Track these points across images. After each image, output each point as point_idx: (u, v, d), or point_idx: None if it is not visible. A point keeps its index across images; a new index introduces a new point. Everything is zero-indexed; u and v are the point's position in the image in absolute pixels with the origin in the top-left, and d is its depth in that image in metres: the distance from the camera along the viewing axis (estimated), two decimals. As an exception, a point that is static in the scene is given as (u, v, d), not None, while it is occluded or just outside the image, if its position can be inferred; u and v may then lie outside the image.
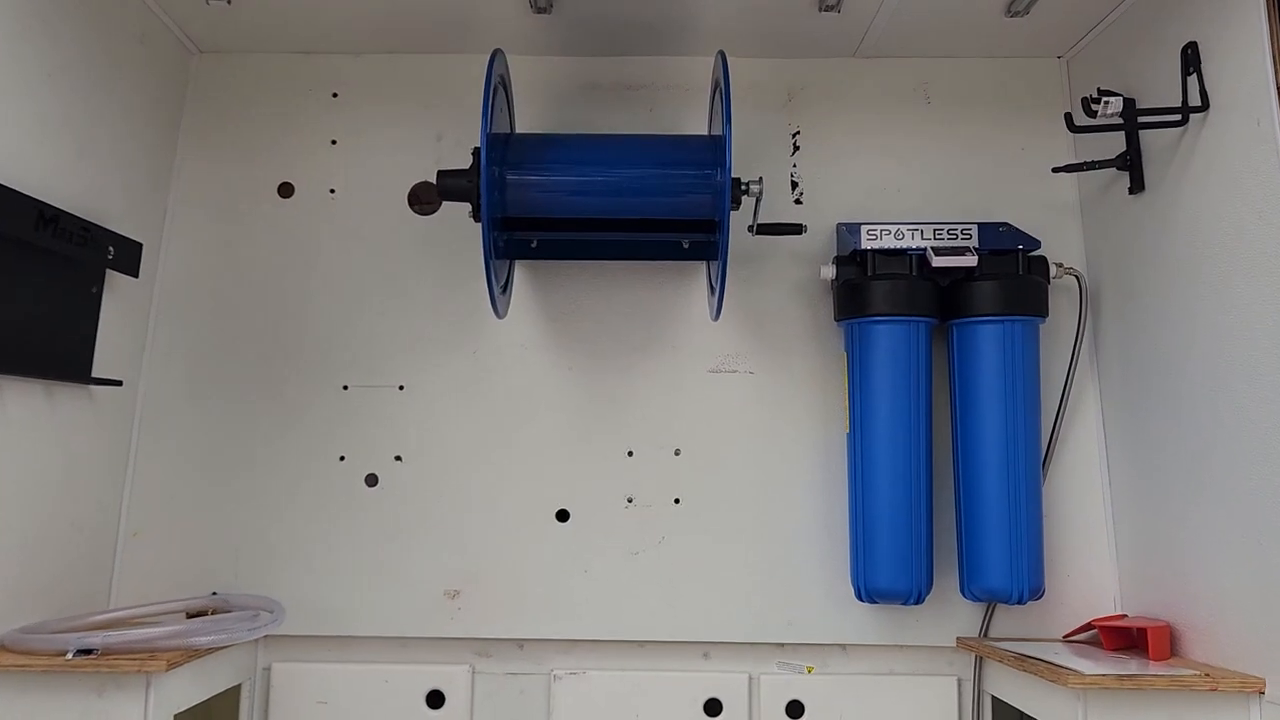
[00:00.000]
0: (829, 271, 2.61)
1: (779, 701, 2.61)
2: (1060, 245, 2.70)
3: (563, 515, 2.66)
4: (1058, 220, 2.75)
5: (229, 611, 2.36)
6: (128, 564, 2.60)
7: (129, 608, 2.41)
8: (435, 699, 2.60)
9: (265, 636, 2.58)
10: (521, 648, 2.64)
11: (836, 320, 2.64)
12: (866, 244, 2.57)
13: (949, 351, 2.60)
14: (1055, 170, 2.60)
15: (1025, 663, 2.21)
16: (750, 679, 2.62)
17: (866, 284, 2.54)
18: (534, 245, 2.67)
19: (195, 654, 2.14)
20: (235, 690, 2.52)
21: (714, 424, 2.70)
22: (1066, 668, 2.09)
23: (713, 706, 2.60)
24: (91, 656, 2.03)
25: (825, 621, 2.61)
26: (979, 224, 2.59)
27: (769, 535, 2.65)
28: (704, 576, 2.64)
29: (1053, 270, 2.59)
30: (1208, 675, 2.02)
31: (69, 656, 2.02)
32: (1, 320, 2.06)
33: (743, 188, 2.35)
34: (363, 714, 2.56)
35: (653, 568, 2.64)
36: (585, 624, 2.62)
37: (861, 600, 2.53)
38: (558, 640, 2.63)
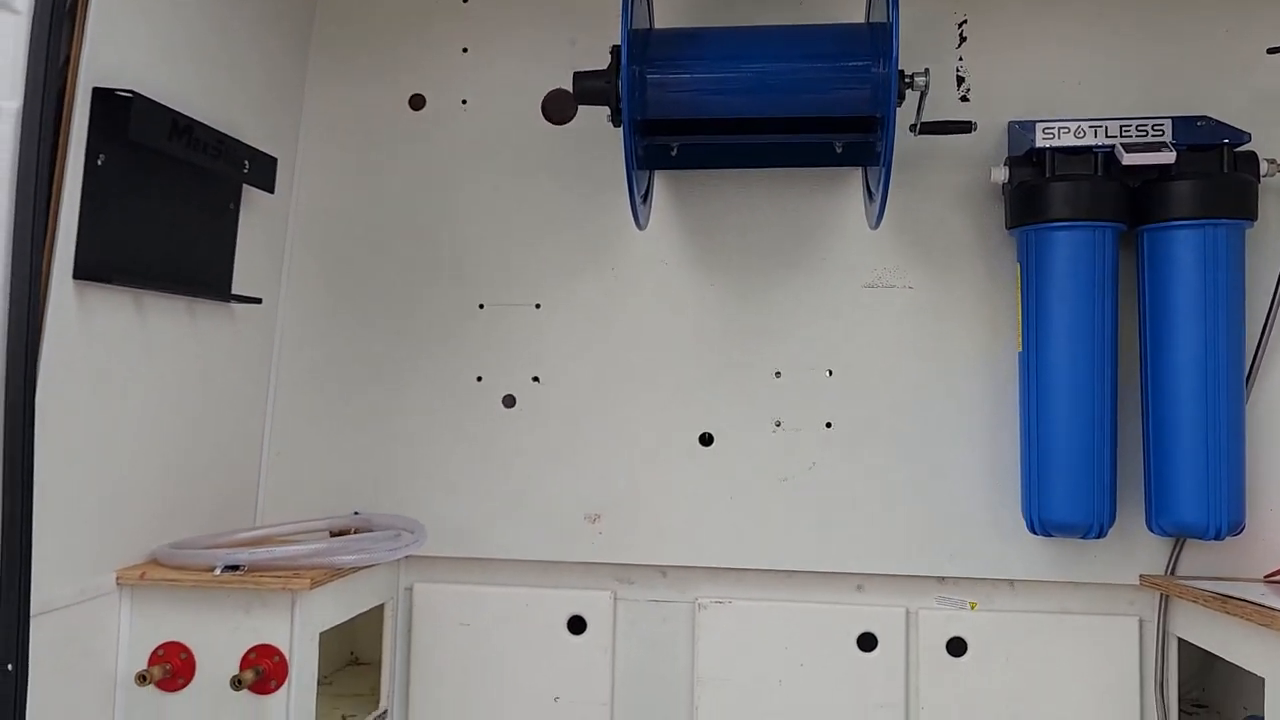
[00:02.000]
0: (1001, 174, 2.36)
1: (939, 638, 2.44)
2: (1273, 139, 2.37)
3: (706, 439, 2.53)
4: (1270, 111, 2.41)
5: (371, 531, 2.32)
6: (272, 483, 2.60)
7: (274, 525, 2.40)
8: (577, 624, 2.53)
9: (407, 557, 2.56)
10: (664, 575, 2.54)
11: (1009, 228, 2.40)
12: (1043, 142, 2.31)
13: (1138, 261, 2.33)
14: (1270, 51, 2.28)
15: (1229, 604, 1.98)
16: (908, 613, 2.46)
17: (1044, 186, 2.29)
18: (674, 153, 2.50)
19: (339, 573, 2.11)
20: (379, 611, 2.51)
21: (870, 343, 2.50)
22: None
23: (867, 641, 2.45)
24: (238, 573, 2.02)
25: (991, 554, 2.42)
26: (1173, 118, 2.30)
27: (929, 462, 2.46)
28: (858, 504, 2.47)
29: (1263, 168, 2.28)
30: None
31: (217, 572, 2.01)
32: (142, 235, 2.02)
33: (907, 80, 2.12)
34: (504, 637, 2.52)
35: (802, 494, 2.49)
36: (731, 552, 2.50)
37: (1034, 532, 2.33)
38: (702, 568, 2.52)
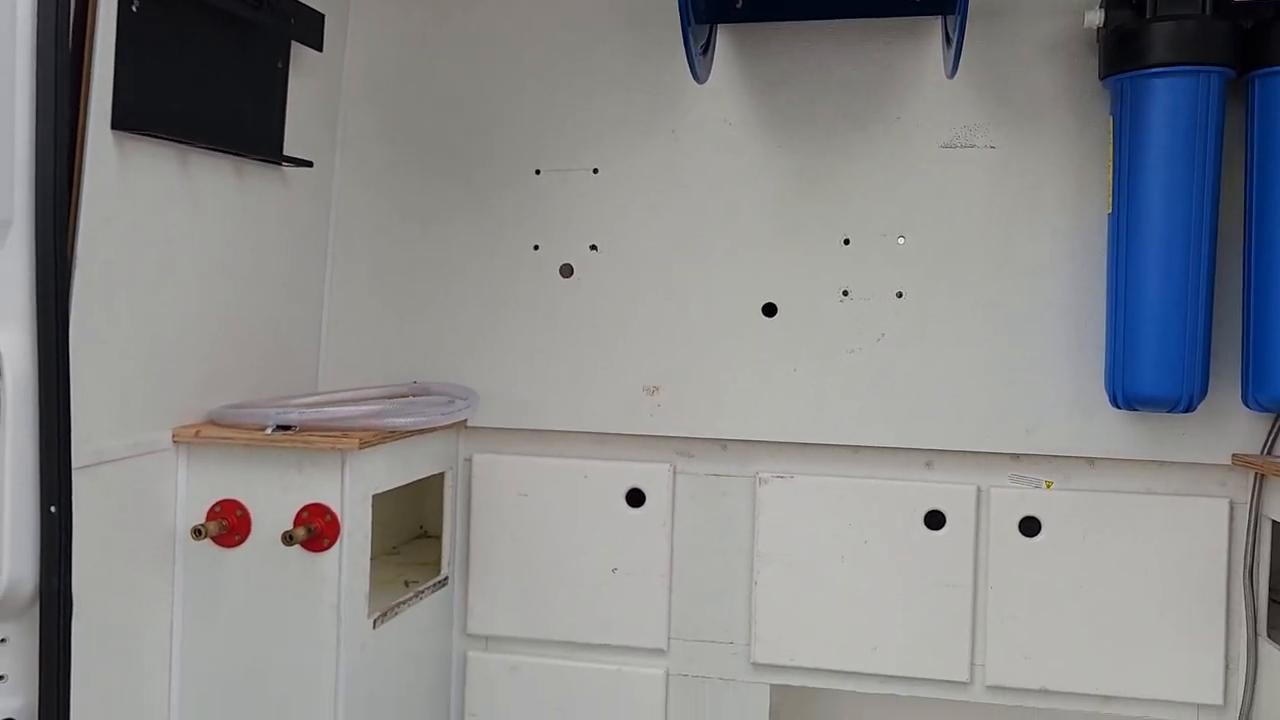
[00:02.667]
0: (1095, 17, 2.15)
1: (1011, 517, 2.33)
2: None
3: (770, 309, 2.43)
4: None
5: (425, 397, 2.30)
6: (331, 352, 2.59)
7: (331, 392, 2.40)
8: (635, 497, 2.49)
9: (466, 428, 2.54)
10: (725, 448, 2.48)
11: (1103, 78, 2.19)
12: (1145, -21, 2.09)
13: (1247, 111, 2.12)
14: None
15: (1329, 480, 1.82)
16: (979, 491, 2.35)
17: (1144, 28, 2.08)
18: (739, 4, 2.34)
19: (389, 435, 2.09)
20: (441, 481, 2.51)
21: (946, 207, 2.35)
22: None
23: (935, 519, 2.36)
24: (290, 433, 2.01)
25: (1070, 430, 2.29)
26: (1296, -52, 2.06)
27: (1007, 332, 2.31)
28: (929, 377, 2.35)
29: (1400, 1, 2.03)
30: None
31: (268, 431, 2.01)
32: (183, 87, 1.98)
33: (991, -92, 1.93)
34: (562, 508, 2.50)
35: (870, 367, 2.38)
36: (793, 426, 2.41)
37: (1117, 406, 2.18)
38: (764, 442, 2.44)
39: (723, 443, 2.47)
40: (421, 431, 2.25)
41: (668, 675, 2.48)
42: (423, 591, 2.40)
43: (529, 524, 2.51)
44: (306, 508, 2.00)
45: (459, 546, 2.57)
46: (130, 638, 1.92)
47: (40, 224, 1.50)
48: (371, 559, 2.74)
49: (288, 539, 1.92)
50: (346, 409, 2.06)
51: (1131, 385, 2.12)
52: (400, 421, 2.09)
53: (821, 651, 2.40)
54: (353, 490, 2.01)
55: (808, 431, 2.40)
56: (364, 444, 1.99)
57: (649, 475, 2.48)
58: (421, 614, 2.40)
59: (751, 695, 2.45)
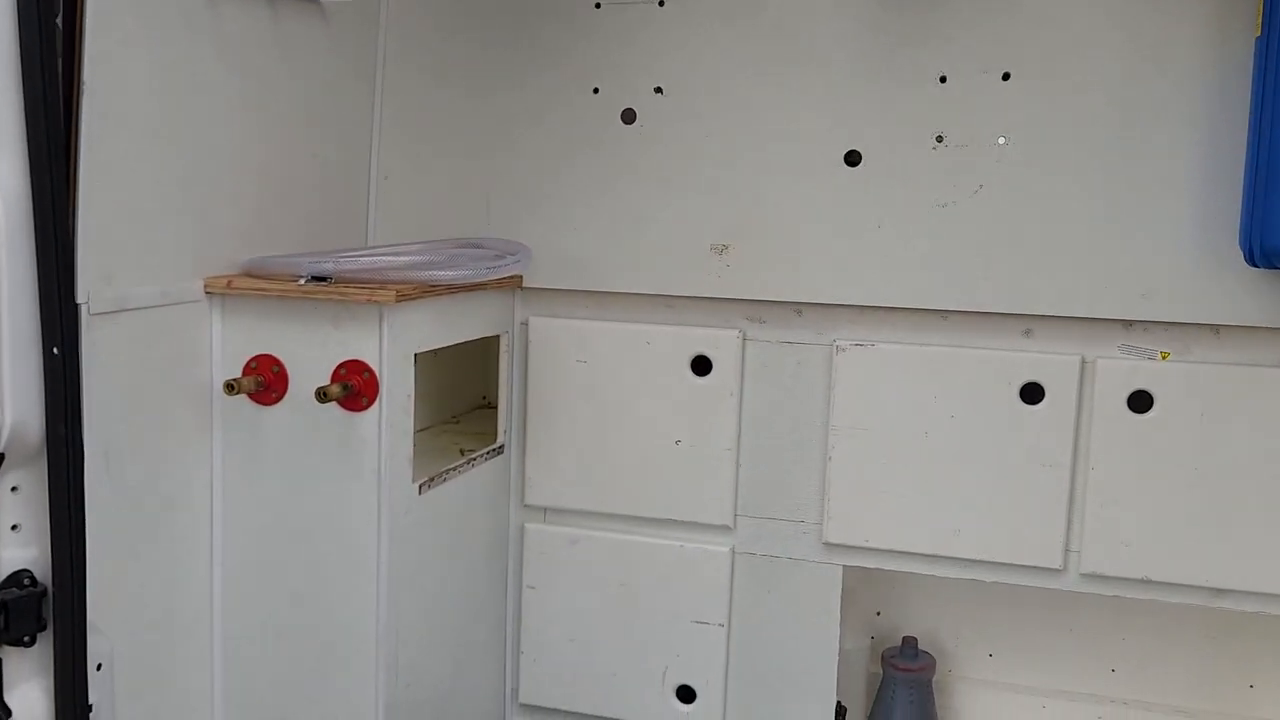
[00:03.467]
0: None
1: (1119, 392, 2.09)
2: None
3: (852, 158, 2.18)
4: None
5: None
6: (381, 207, 2.44)
7: (379, 247, 2.25)
8: (701, 365, 2.31)
9: (522, 288, 2.39)
10: (800, 313, 2.27)
11: (1258, -128, 1.85)
12: None
13: None
14: None
15: None
16: (1083, 362, 2.11)
17: None
18: None
19: (430, 290, 1.95)
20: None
21: (1058, 38, 2.05)
22: None
23: (1032, 393, 2.13)
24: (325, 284, 1.88)
25: (1194, 294, 2.02)
26: None
27: (1124, 181, 2.03)
28: (1032, 233, 2.09)
29: None
30: None
31: (302, 282, 1.88)
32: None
33: None
34: (623, 376, 2.34)
35: (965, 222, 2.13)
36: (876, 288, 2.19)
37: (1253, 264, 1.90)
38: (843, 306, 2.23)
39: (797, 307, 2.26)
40: (469, 288, 2.10)
41: (733, 553, 2.34)
42: (475, 459, 2.28)
43: (588, 392, 2.36)
44: (344, 364, 1.87)
45: (516, 415, 2.44)
46: (166, 495, 1.85)
47: (26, 39, 1.35)
48: (429, 428, 2.67)
49: (321, 396, 1.80)
50: (385, 259, 1.91)
51: (1273, 237, 1.83)
52: (442, 275, 1.93)
53: (899, 533, 2.22)
54: (392, 347, 1.87)
55: (892, 295, 2.18)
56: (402, 297, 1.85)
57: (716, 341, 2.29)
58: (475, 482, 2.29)
59: (822, 577, 2.29)
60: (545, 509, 2.45)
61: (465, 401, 2.81)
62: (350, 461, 1.89)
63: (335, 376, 1.87)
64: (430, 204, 2.41)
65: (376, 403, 1.87)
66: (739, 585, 2.35)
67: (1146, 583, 2.12)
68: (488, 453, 2.35)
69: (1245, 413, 2.02)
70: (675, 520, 2.36)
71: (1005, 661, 2.48)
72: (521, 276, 2.35)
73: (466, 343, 2.30)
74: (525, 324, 2.40)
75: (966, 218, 2.12)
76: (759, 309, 2.28)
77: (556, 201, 2.34)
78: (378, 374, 1.86)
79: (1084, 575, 2.15)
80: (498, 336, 2.38)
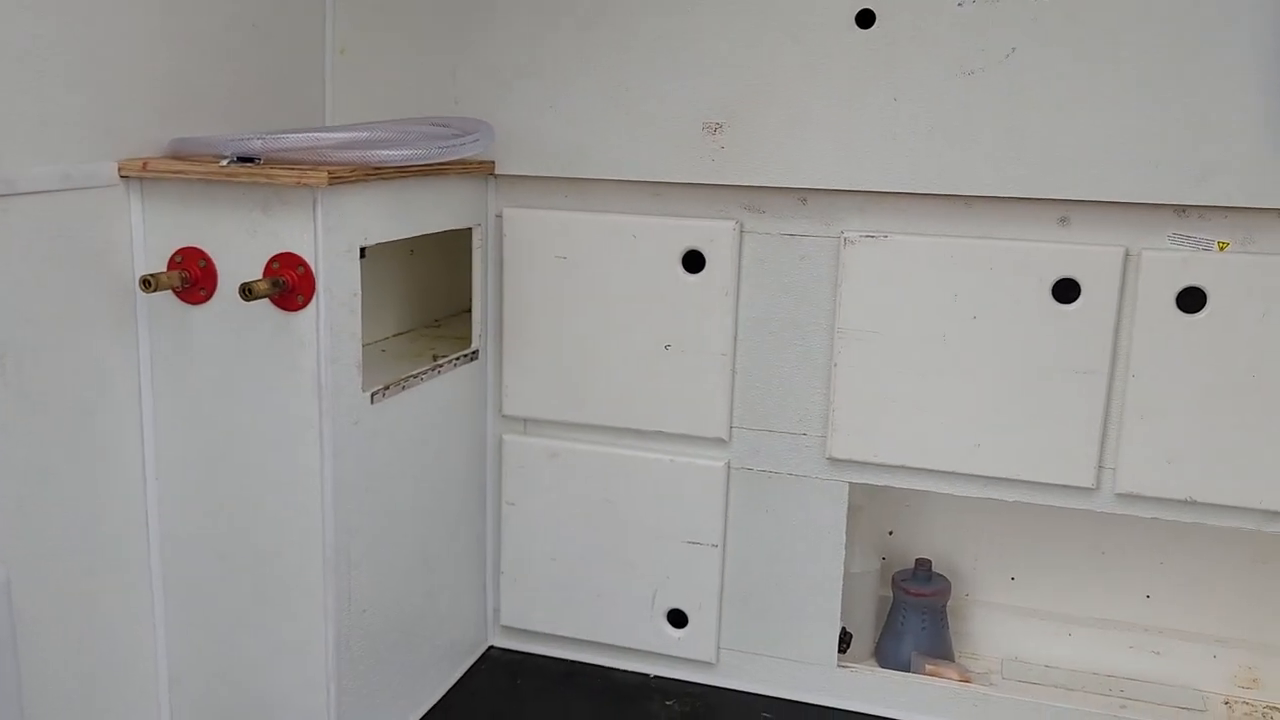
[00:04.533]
0: None
1: (1167, 288, 1.82)
2: None
3: (865, 18, 1.89)
4: None
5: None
6: (339, 88, 2.19)
7: (328, 127, 2.01)
8: (693, 260, 2.07)
9: (495, 176, 2.14)
10: (804, 202, 2.01)
11: None
12: None
13: None
14: None
15: None
16: (1126, 255, 1.84)
17: None
18: None
19: (375, 173, 1.71)
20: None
21: None
22: None
23: (1066, 290, 1.87)
24: (252, 166, 1.64)
25: (1260, 174, 1.73)
26: None
27: (1179, 43, 1.73)
28: (1071, 106, 1.80)
29: None
30: None
31: (224, 163, 1.64)
32: None
33: None
34: (607, 273, 2.10)
35: (993, 93, 1.84)
36: (890, 172, 1.92)
37: (1335, 134, 1.62)
38: (852, 192, 1.96)
39: (801, 194, 2.00)
40: (424, 172, 1.86)
41: (729, 468, 2.12)
42: (443, 365, 2.07)
43: (569, 291, 2.13)
44: (276, 258, 1.65)
45: (492, 317, 2.22)
46: (84, 403, 1.65)
47: None
48: (407, 332, 2.46)
49: (246, 293, 1.58)
50: (319, 135, 1.67)
51: (1361, 102, 1.54)
52: (388, 155, 1.69)
53: (912, 447, 2.00)
54: (329, 237, 1.64)
55: (908, 178, 1.91)
56: (336, 179, 1.61)
57: (710, 234, 2.04)
58: (445, 391, 2.08)
59: (826, 494, 2.08)
60: (525, 420, 2.24)
61: (448, 303, 2.60)
62: (287, 366, 1.68)
63: (267, 271, 1.65)
64: (392, 80, 2.15)
65: (313, 301, 1.65)
66: (735, 503, 2.14)
67: (1190, 504, 1.88)
68: (459, 358, 2.13)
69: (1314, 312, 1.75)
70: (665, 433, 2.14)
71: (1028, 586, 2.28)
72: (494, 163, 2.11)
73: (445, 239, 2.07)
74: (500, 216, 2.16)
75: (995, 87, 1.83)
76: (758, 197, 2.02)
77: (529, 76, 2.07)
78: (313, 268, 1.64)
79: (1120, 495, 1.92)
80: (470, 230, 2.14)
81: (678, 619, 2.20)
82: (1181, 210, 1.80)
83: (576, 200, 2.12)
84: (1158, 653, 2.18)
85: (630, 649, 2.25)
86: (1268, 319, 1.78)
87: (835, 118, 1.92)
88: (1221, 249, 1.80)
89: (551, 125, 2.08)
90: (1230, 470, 1.84)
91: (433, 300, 2.55)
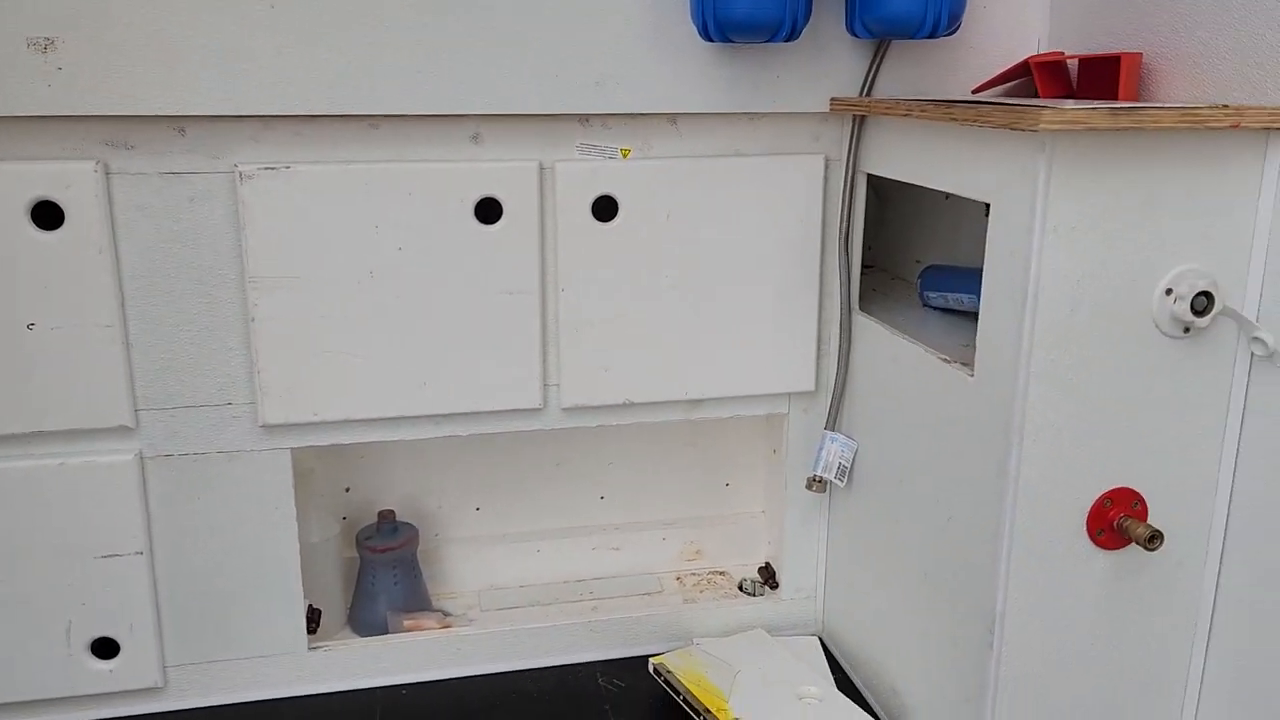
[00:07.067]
0: None
1: (582, 199, 1.83)
2: None
3: (223, -92, 1.59)
4: None
5: None
6: None
7: None
8: (47, 215, 1.64)
9: None
10: (183, 132, 1.68)
11: None
12: None
13: None
14: None
15: (956, 110, 1.47)
16: (540, 168, 1.80)
17: None
18: None
19: None
20: None
21: None
22: (1031, 105, 1.36)
23: (488, 209, 1.80)
24: None
25: (650, 79, 1.78)
26: None
27: (566, -55, 1.71)
28: (474, 12, 1.69)
29: None
30: (1225, 108, 1.35)
31: None
32: None
33: None
34: (-79, 241, 1.60)
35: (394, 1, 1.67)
36: (282, 91, 1.66)
37: (708, 38, 1.69)
38: (241, 118, 1.68)
39: (177, 123, 1.67)
40: None
41: (141, 459, 1.77)
42: None
43: None
44: None
45: None
46: None
47: None
48: None
49: None
50: None
51: (726, 7, 1.62)
52: None
53: (354, 399, 1.81)
54: None
55: (305, 99, 1.67)
56: None
57: (63, 178, 1.63)
58: None
59: (266, 467, 1.82)
60: None
61: None
62: None
63: None
64: None
65: None
66: (157, 498, 1.80)
67: (629, 405, 1.95)
68: None
69: (716, 207, 1.86)
70: (46, 432, 1.72)
71: (494, 512, 2.24)
72: None
73: None
74: None
75: (387, -7, 1.66)
76: (121, 129, 1.65)
77: None
78: None
79: (565, 410, 1.92)
80: None
81: (105, 648, 1.82)
82: (585, 120, 1.80)
83: None
84: (617, 548, 2.28)
85: (50, 700, 1.82)
86: (671, 220, 1.86)
87: (205, 26, 1.61)
88: (625, 155, 1.83)
89: None
90: (658, 368, 1.92)
91: None
